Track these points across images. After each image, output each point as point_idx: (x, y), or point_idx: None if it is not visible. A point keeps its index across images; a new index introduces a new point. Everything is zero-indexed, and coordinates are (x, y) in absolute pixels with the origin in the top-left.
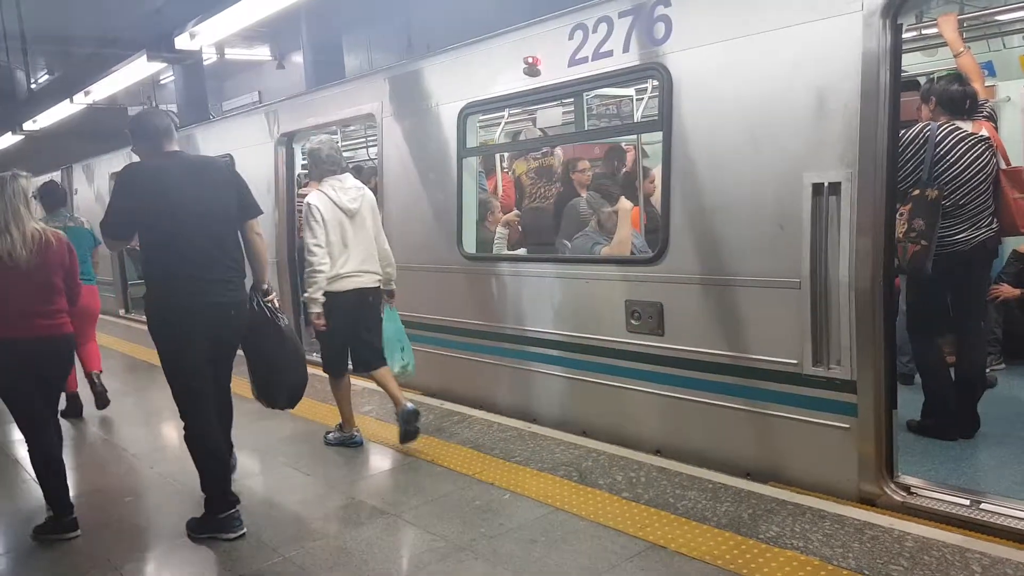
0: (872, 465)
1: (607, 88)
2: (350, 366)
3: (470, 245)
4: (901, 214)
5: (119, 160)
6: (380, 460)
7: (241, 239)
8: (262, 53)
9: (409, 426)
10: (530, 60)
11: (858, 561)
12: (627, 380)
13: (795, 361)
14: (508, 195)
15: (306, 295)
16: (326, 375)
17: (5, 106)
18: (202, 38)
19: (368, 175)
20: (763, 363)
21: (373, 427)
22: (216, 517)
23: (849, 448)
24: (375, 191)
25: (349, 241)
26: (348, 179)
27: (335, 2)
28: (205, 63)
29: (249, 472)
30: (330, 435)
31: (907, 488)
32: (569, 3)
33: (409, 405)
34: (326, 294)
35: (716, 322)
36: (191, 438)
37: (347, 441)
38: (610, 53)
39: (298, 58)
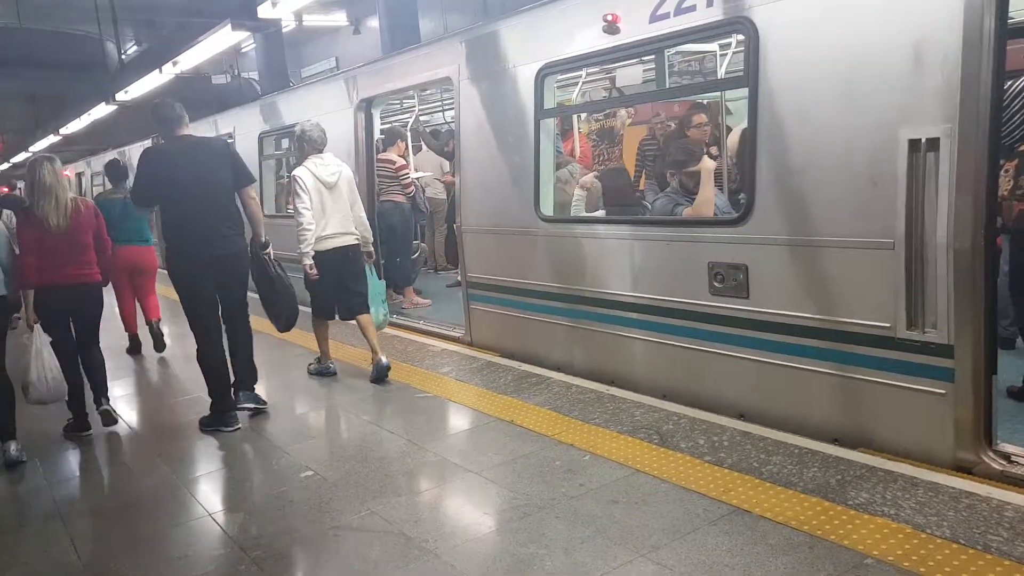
0: (969, 432)
1: (689, 44)
2: (337, 317)
3: (547, 208)
4: (1006, 171)
5: (204, 128)
6: (460, 420)
7: (240, 203)
8: (339, 19)
9: (379, 377)
10: (609, 18)
11: (953, 530)
12: (710, 344)
13: (888, 324)
14: (586, 156)
15: (300, 250)
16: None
17: (98, 77)
18: (283, 6)
19: (446, 138)
20: (853, 326)
21: (452, 387)
22: (217, 414)
23: (945, 414)
24: (452, 154)
25: (328, 208)
26: (328, 157)
27: None
28: (284, 30)
29: (335, 429)
30: (311, 367)
31: (1007, 456)
32: None
33: (384, 361)
34: (315, 253)
35: (804, 285)
36: (200, 356)
37: (324, 371)
38: (693, 8)
39: (373, 23)
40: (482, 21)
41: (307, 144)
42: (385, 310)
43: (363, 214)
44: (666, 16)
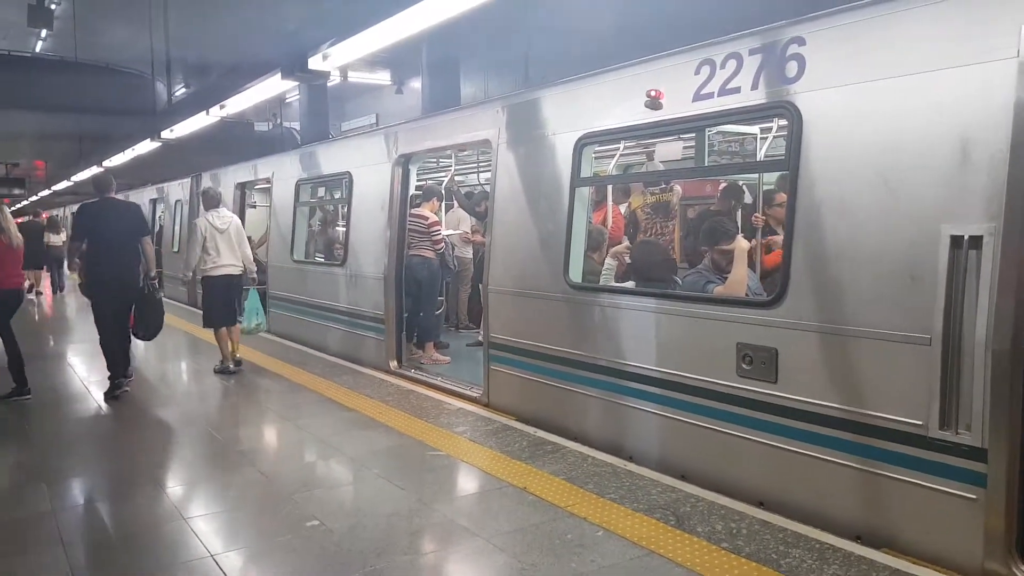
0: (1000, 542)
1: (731, 125)
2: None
3: (577, 274)
4: None
5: (243, 173)
6: (471, 482)
7: (140, 246)
8: (382, 77)
9: (224, 370)
10: (652, 93)
11: None
12: (733, 426)
13: (920, 422)
14: (618, 227)
15: (188, 274)
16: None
17: (146, 116)
18: (333, 60)
19: (479, 199)
20: (883, 421)
21: (466, 447)
22: (110, 385)
23: (975, 521)
24: (483, 214)
25: (221, 247)
26: (223, 210)
27: (455, 30)
28: (329, 84)
29: (343, 481)
30: (215, 367)
31: None
32: (687, 33)
33: (237, 357)
34: (206, 277)
35: (834, 373)
36: (101, 344)
37: (225, 368)
38: (737, 90)
39: (416, 84)
40: (523, 88)
41: (207, 201)
42: (259, 320)
43: (248, 251)
44: (710, 96)
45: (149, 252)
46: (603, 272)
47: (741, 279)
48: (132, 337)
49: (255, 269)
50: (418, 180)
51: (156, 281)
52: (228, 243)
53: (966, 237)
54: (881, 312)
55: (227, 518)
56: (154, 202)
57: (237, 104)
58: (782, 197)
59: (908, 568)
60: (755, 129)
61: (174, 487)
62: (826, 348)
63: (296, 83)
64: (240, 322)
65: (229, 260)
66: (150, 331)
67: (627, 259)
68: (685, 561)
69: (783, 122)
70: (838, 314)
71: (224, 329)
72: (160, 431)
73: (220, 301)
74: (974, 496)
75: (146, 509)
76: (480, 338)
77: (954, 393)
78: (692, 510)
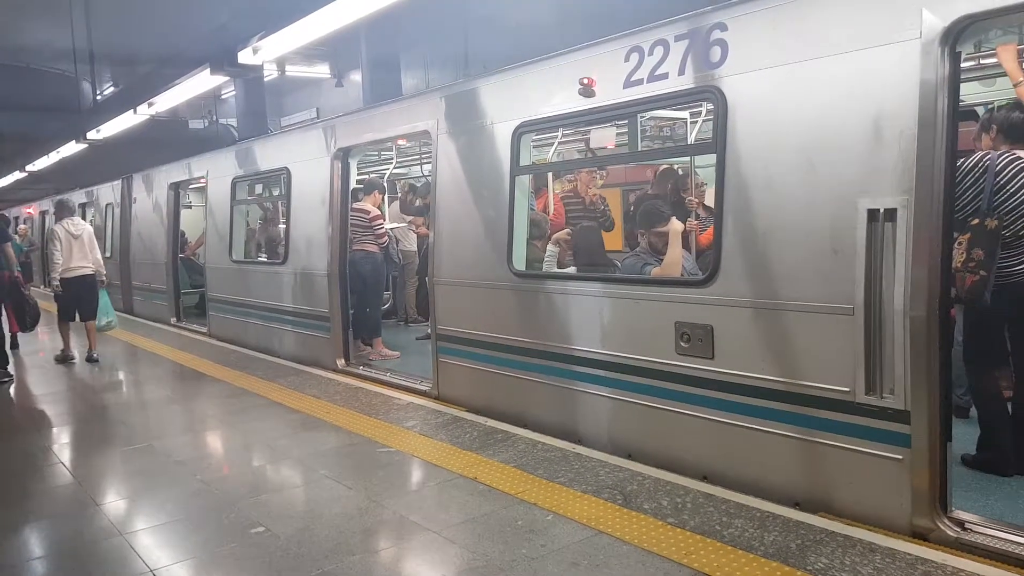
0: (925, 498)
1: (661, 110)
2: (78, 318)
3: (520, 262)
4: (959, 243)
5: (177, 172)
6: (422, 476)
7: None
8: (321, 71)
9: (65, 359)
10: (586, 81)
11: None
12: (675, 403)
13: (847, 389)
14: (559, 214)
15: (51, 276)
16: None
17: (71, 116)
18: (264, 53)
19: (423, 192)
20: (814, 390)
21: (416, 442)
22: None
23: (902, 480)
24: (428, 207)
25: (75, 251)
26: (77, 219)
27: (393, 21)
28: (266, 79)
29: (291, 483)
30: (56, 356)
31: (961, 523)
32: (623, 25)
33: (94, 355)
34: (63, 278)
35: (767, 347)
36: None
37: (65, 359)
38: (666, 76)
39: (356, 76)
40: (463, 78)
41: (63, 210)
42: (109, 318)
43: (99, 256)
44: (640, 82)
45: (9, 253)
46: (546, 259)
47: (676, 260)
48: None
49: (104, 272)
50: (359, 174)
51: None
52: (81, 247)
53: (881, 210)
54: (807, 285)
55: (168, 531)
56: (84, 206)
57: (167, 101)
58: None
59: (842, 530)
60: (685, 114)
61: (111, 502)
62: (758, 323)
63: (229, 78)
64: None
65: (81, 263)
66: (33, 322)
67: (568, 247)
68: (633, 539)
69: (711, 106)
70: (768, 289)
71: (69, 323)
72: (93, 444)
73: (73, 299)
74: (900, 456)
75: (81, 527)
76: (429, 331)
77: (877, 359)
78: (639, 488)
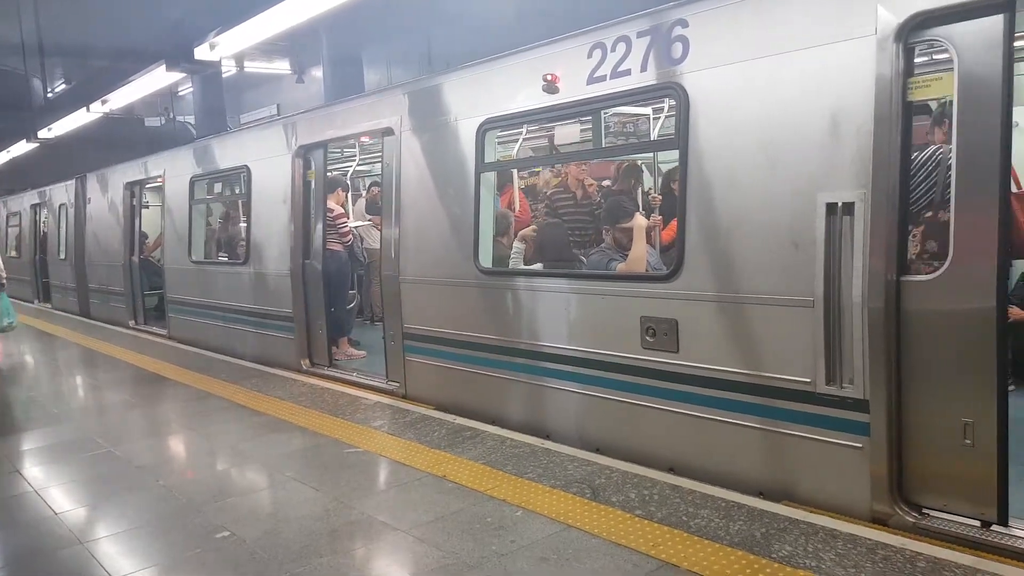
0: (884, 485)
1: (624, 107)
2: None
3: (486, 259)
4: (914, 236)
5: (133, 171)
6: (390, 476)
7: None
8: (282, 67)
9: None
10: (549, 77)
11: None
12: (641, 397)
13: (808, 380)
14: (524, 210)
15: None
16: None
17: (21, 114)
18: (221, 49)
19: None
20: (777, 381)
21: (383, 441)
22: None
23: (862, 468)
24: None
25: None
26: None
27: (355, 17)
28: (224, 76)
29: (256, 486)
30: None
31: (919, 509)
32: (587, 22)
33: None
34: None
35: (730, 340)
36: None
37: None
38: (628, 72)
39: (318, 72)
40: (426, 75)
41: None
42: (10, 319)
43: None
44: (603, 79)
45: None
46: (512, 255)
47: (641, 255)
48: None
49: (3, 274)
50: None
51: None
52: None
53: (840, 204)
54: (769, 279)
55: (130, 537)
56: (36, 207)
57: (121, 99)
58: None
59: (805, 517)
60: (648, 110)
61: (70, 510)
62: (722, 316)
63: (185, 75)
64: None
65: None
66: None
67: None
68: (601, 532)
69: (673, 102)
70: (731, 283)
71: None
72: (50, 452)
73: None
74: (859, 445)
75: (39, 537)
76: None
77: (837, 350)
78: (607, 481)
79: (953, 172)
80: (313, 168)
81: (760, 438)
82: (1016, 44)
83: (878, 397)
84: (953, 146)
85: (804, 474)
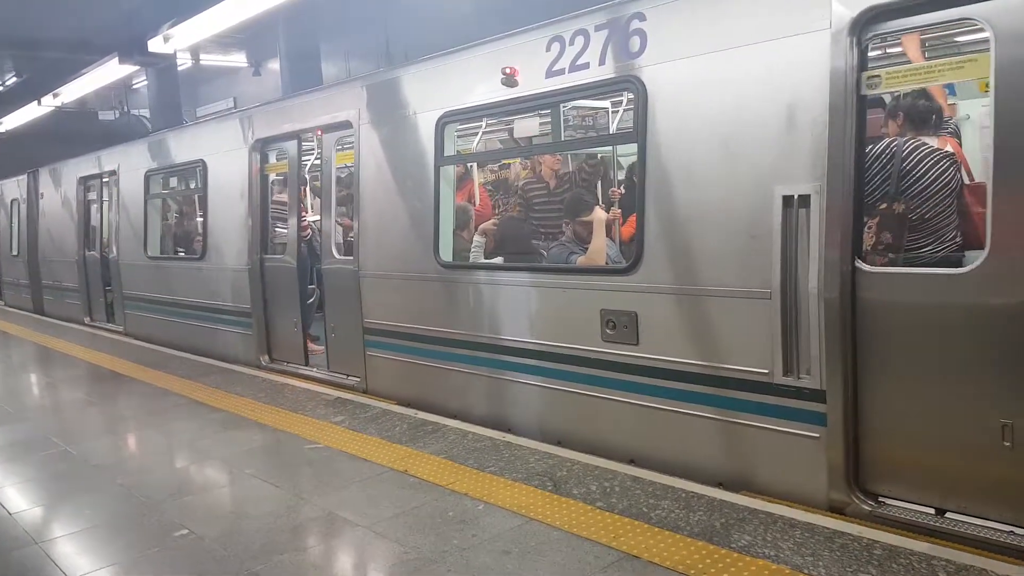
0: (841, 473)
1: (583, 100)
2: None
3: (447, 253)
4: (869, 227)
5: (86, 165)
6: (352, 471)
7: None
8: (238, 59)
9: None
10: (508, 71)
11: (828, 569)
12: (602, 389)
13: (766, 371)
14: (484, 204)
15: None
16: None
17: None
18: (176, 42)
19: (347, 183)
20: (735, 372)
21: (344, 437)
22: None
23: (819, 457)
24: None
25: None
26: None
27: (312, 9)
28: (180, 68)
29: (216, 484)
30: None
31: (875, 497)
32: (545, 15)
33: None
34: None
35: (690, 332)
36: None
37: None
38: (587, 65)
39: (275, 65)
40: (384, 67)
41: None
42: None
43: None
44: (561, 72)
45: None
46: (472, 249)
47: (600, 248)
48: None
49: None
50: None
51: None
52: None
53: (796, 196)
54: (727, 271)
55: (87, 537)
56: None
57: (74, 92)
58: None
59: (764, 507)
60: (607, 103)
61: (25, 510)
62: (681, 308)
63: (139, 68)
64: None
65: None
66: None
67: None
68: (563, 524)
69: (631, 96)
70: (689, 275)
71: None
72: (4, 451)
73: None
74: (816, 434)
75: None
76: None
77: (794, 341)
78: (569, 474)
79: (991, 160)
80: (271, 162)
81: (719, 429)
82: None
83: (834, 387)
84: (991, 130)
85: (762, 464)
